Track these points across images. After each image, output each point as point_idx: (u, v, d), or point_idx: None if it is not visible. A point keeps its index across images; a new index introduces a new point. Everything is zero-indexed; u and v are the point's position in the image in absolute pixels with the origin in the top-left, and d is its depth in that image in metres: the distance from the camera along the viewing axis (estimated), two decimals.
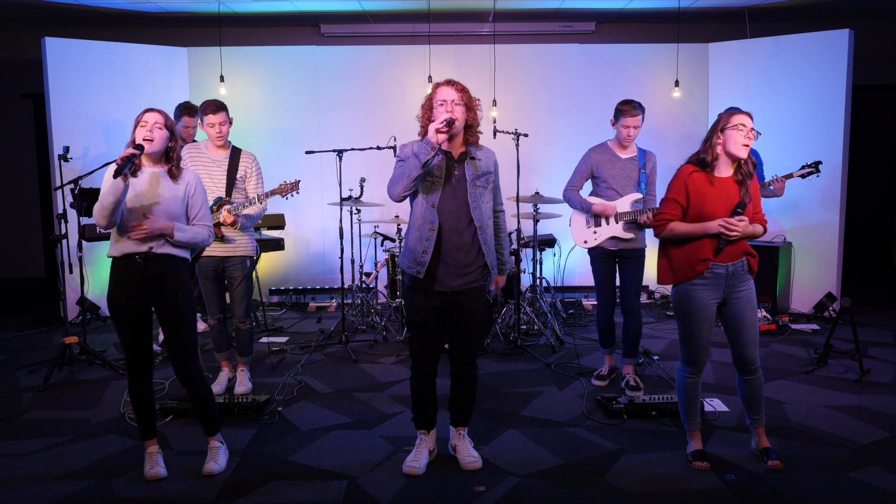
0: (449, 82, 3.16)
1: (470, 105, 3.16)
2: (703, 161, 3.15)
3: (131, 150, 3.02)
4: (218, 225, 4.04)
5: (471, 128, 3.20)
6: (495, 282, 3.41)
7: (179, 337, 3.23)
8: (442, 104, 3.11)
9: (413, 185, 3.11)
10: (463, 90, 3.15)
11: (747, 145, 3.09)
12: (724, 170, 3.16)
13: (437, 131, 3.01)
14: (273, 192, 4.31)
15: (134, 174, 3.08)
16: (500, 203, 3.39)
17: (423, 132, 3.14)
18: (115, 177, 2.97)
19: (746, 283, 3.20)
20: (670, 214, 3.17)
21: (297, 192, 4.42)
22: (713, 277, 3.13)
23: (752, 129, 3.10)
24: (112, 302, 3.18)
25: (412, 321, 3.32)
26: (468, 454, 3.37)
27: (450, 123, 3.04)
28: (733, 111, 3.21)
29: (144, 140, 3.09)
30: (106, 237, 5.48)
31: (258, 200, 4.22)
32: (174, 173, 3.22)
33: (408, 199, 3.26)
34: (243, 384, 4.43)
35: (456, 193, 3.17)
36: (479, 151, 3.25)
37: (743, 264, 3.17)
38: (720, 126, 3.13)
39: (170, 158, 3.21)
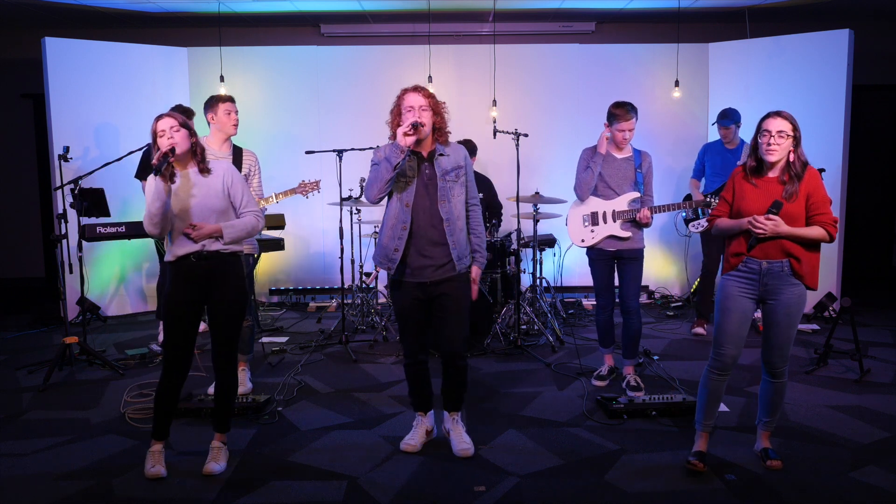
0: (416, 88, 3.33)
1: (437, 109, 3.32)
2: (749, 167, 3.22)
3: (163, 150, 3.07)
4: None
5: (439, 130, 3.34)
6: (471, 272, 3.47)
7: (228, 325, 3.30)
8: (409, 110, 3.26)
9: (387, 186, 3.28)
10: (429, 95, 3.32)
11: (772, 150, 3.10)
12: (771, 171, 3.20)
13: (405, 134, 3.18)
14: (293, 192, 4.36)
15: (172, 180, 3.10)
16: (474, 198, 3.48)
17: (393, 136, 3.27)
18: (155, 174, 3.03)
19: (789, 287, 3.16)
20: (718, 211, 3.34)
21: (318, 192, 4.60)
22: (746, 272, 3.20)
23: (779, 132, 3.08)
24: (169, 303, 3.25)
25: (398, 313, 3.49)
26: (461, 440, 3.45)
27: (416, 127, 3.18)
28: (767, 116, 3.16)
29: (168, 148, 3.10)
30: (106, 237, 5.51)
31: (275, 198, 4.26)
32: (204, 168, 3.25)
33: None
34: (243, 384, 4.42)
35: (428, 190, 3.32)
36: (447, 149, 3.38)
37: (783, 265, 3.15)
38: (755, 132, 3.21)
39: (195, 155, 3.24)
